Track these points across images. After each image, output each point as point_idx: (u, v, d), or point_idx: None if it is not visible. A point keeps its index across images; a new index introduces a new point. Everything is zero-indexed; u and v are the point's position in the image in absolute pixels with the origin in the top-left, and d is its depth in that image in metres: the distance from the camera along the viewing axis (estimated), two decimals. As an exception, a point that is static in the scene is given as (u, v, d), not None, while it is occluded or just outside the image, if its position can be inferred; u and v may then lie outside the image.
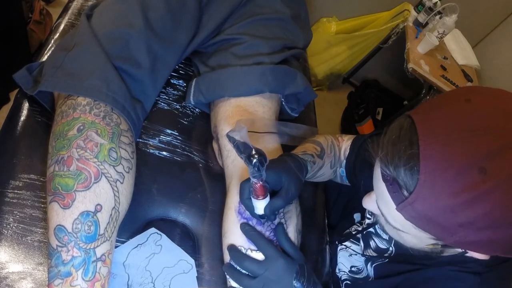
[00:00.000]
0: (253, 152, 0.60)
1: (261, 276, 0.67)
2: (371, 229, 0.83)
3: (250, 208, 0.69)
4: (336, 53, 2.35)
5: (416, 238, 0.55)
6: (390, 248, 0.78)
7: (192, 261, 0.77)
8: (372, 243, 0.82)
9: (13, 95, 0.83)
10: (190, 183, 0.86)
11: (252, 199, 0.67)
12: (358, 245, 0.86)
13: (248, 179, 0.65)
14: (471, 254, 0.55)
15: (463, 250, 0.57)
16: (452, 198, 0.44)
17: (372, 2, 2.20)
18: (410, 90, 2.61)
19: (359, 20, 2.26)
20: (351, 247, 0.88)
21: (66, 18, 0.94)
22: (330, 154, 0.87)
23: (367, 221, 0.84)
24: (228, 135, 0.61)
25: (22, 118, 0.78)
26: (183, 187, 0.84)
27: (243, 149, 0.60)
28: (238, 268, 0.71)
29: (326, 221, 1.00)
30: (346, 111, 2.65)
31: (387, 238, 0.78)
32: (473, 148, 0.44)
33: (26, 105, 0.79)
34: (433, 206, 0.46)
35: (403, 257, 0.74)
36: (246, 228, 0.71)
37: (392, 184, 0.50)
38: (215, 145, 0.91)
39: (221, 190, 0.86)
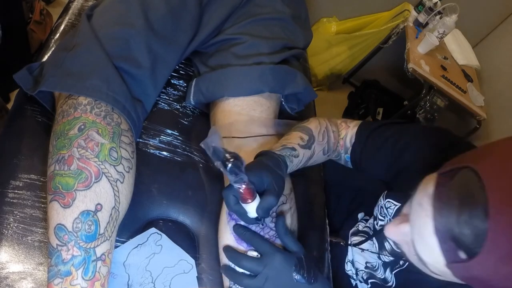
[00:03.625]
0: (227, 156, 0.56)
1: (261, 274, 0.66)
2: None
3: (243, 214, 0.67)
4: (336, 53, 2.35)
5: (444, 277, 0.53)
6: None
7: (192, 261, 0.77)
8: (387, 245, 0.80)
9: (13, 95, 0.83)
10: (190, 183, 0.86)
11: (242, 204, 0.65)
12: (371, 243, 0.85)
13: (230, 186, 0.63)
14: None
15: None
16: None
17: (372, 2, 2.20)
18: (410, 90, 2.62)
19: (359, 20, 2.26)
20: (362, 244, 0.88)
21: (67, 18, 0.94)
22: (322, 142, 0.84)
23: (380, 222, 0.83)
24: (203, 143, 0.57)
25: (23, 118, 0.78)
26: (183, 187, 0.84)
27: (216, 155, 0.56)
28: (236, 268, 0.71)
29: (328, 222, 1.00)
30: (346, 111, 2.65)
31: None
32: None
33: (26, 105, 0.79)
34: (492, 273, 0.43)
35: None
36: (239, 230, 0.71)
37: (449, 243, 0.46)
38: (215, 145, 0.91)
39: (221, 190, 0.85)
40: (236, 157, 0.57)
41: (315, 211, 0.97)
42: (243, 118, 0.85)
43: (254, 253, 0.71)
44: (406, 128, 0.84)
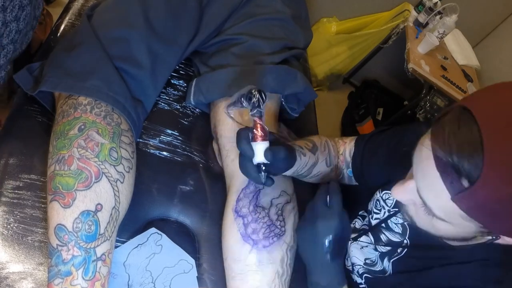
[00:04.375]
0: (252, 89, 0.60)
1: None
2: (381, 224, 0.82)
3: (249, 157, 0.63)
4: (336, 53, 2.34)
5: (458, 227, 0.54)
6: (405, 241, 0.77)
7: (192, 261, 0.77)
8: (383, 237, 0.81)
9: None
10: (191, 183, 0.86)
11: (252, 144, 0.62)
12: (368, 237, 0.86)
13: (246, 127, 0.63)
14: (505, 240, 0.54)
15: (495, 237, 0.56)
16: None
17: (372, 2, 2.20)
18: (411, 90, 2.61)
19: (360, 20, 2.25)
20: (361, 240, 0.88)
21: (67, 18, 0.94)
22: (324, 152, 0.86)
23: (375, 215, 0.84)
24: (224, 110, 0.63)
25: (23, 118, 0.78)
26: (184, 187, 0.84)
27: (244, 91, 0.61)
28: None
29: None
30: (346, 111, 2.65)
31: (400, 232, 0.77)
32: None
33: (26, 106, 0.79)
34: (494, 196, 0.45)
35: (421, 250, 0.74)
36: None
37: (450, 174, 0.48)
38: (215, 145, 0.91)
39: (221, 190, 0.86)
40: (261, 92, 0.60)
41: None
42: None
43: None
44: (398, 128, 0.87)
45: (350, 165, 0.92)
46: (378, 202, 0.83)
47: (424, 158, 0.52)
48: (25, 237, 0.67)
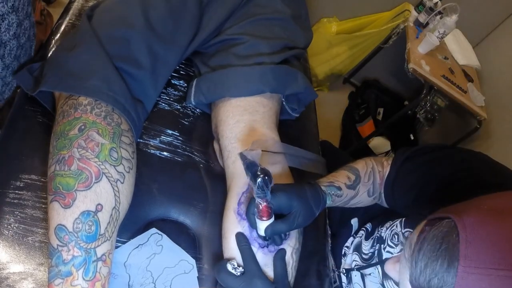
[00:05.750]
0: (259, 171, 0.60)
1: None
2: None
3: (253, 226, 0.69)
4: (336, 53, 2.34)
5: None
6: None
7: (193, 261, 0.77)
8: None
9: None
10: (191, 184, 0.86)
11: (256, 218, 0.67)
12: (374, 267, 0.83)
13: (254, 199, 0.65)
14: None
15: None
16: None
17: (372, 2, 2.20)
18: (411, 90, 2.61)
19: (360, 20, 2.26)
20: (364, 269, 0.86)
21: (67, 18, 0.94)
22: (367, 183, 0.84)
23: (388, 248, 0.80)
24: (241, 154, 0.62)
25: (23, 118, 0.78)
26: (184, 188, 0.84)
27: (250, 167, 0.60)
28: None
29: (328, 221, 1.00)
30: (346, 111, 2.65)
31: None
32: None
33: (27, 106, 0.79)
34: None
35: None
36: (240, 239, 0.71)
37: None
38: (216, 146, 0.91)
39: (222, 191, 0.85)
40: (267, 174, 0.60)
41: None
42: (245, 139, 0.83)
43: (234, 263, 0.71)
44: (438, 158, 0.81)
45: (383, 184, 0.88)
46: (396, 236, 0.80)
47: (404, 261, 0.50)
48: (26, 237, 0.67)
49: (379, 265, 0.81)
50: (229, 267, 0.69)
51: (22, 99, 0.79)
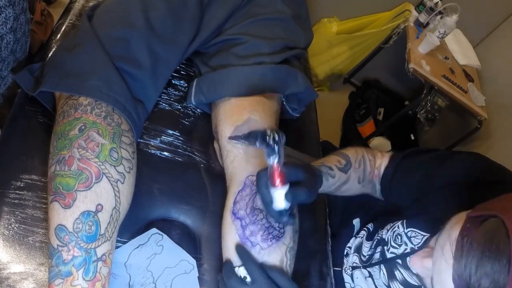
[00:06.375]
0: (267, 131, 0.56)
1: None
2: (397, 260, 0.79)
3: (268, 203, 0.64)
4: (337, 53, 2.35)
5: None
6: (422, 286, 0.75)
7: (193, 261, 0.77)
8: (398, 275, 0.78)
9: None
10: (192, 184, 0.85)
11: (271, 190, 0.62)
12: (378, 269, 0.83)
13: (266, 169, 0.61)
14: None
15: None
16: None
17: (373, 2, 2.20)
18: (411, 90, 2.61)
19: (360, 20, 2.26)
20: (368, 268, 0.86)
21: (68, 19, 0.94)
22: (358, 169, 0.84)
23: (391, 249, 0.80)
24: (230, 137, 0.57)
25: (23, 118, 0.78)
26: (185, 188, 0.84)
27: (253, 133, 0.56)
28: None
29: (328, 221, 1.00)
30: (347, 111, 2.65)
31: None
32: None
33: (27, 106, 0.79)
34: None
35: None
36: (240, 250, 0.71)
37: None
38: (216, 146, 0.91)
39: (223, 191, 0.85)
40: (276, 131, 0.56)
41: (316, 209, 0.97)
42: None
43: (243, 272, 0.70)
44: (442, 155, 0.82)
45: (380, 178, 0.89)
46: (399, 237, 0.80)
47: (444, 261, 0.49)
48: (26, 237, 0.67)
49: (382, 265, 0.81)
50: (242, 273, 0.69)
51: (23, 99, 0.79)
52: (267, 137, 0.56)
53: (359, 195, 0.99)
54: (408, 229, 0.78)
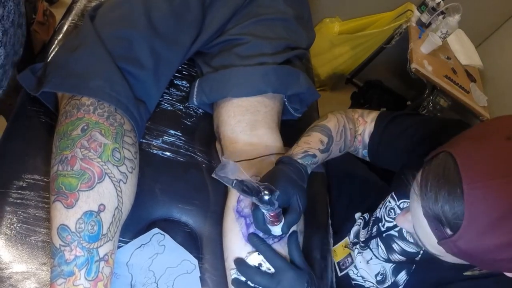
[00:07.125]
0: (262, 190, 0.59)
1: None
2: (393, 232, 0.80)
3: (268, 232, 0.69)
4: (339, 53, 2.34)
5: (454, 259, 0.56)
6: (421, 251, 0.76)
7: (195, 261, 0.77)
8: (396, 247, 0.79)
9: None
10: (194, 184, 0.86)
11: (269, 226, 0.67)
12: (376, 247, 0.84)
13: (258, 207, 0.65)
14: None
15: None
16: (494, 240, 0.46)
17: (375, 2, 2.20)
18: (413, 90, 2.61)
19: (362, 20, 2.25)
20: (370, 246, 0.86)
21: (70, 19, 0.94)
22: (339, 141, 0.85)
23: (386, 224, 0.82)
24: (217, 175, 0.58)
25: (26, 118, 0.78)
26: (186, 188, 0.84)
27: (250, 190, 0.59)
28: (246, 281, 0.70)
29: (330, 221, 1.00)
30: (349, 111, 2.64)
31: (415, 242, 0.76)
32: None
33: (29, 106, 0.79)
34: (476, 246, 0.48)
35: (434, 263, 0.72)
36: (255, 240, 0.71)
37: (434, 222, 0.51)
38: (218, 146, 0.91)
39: (224, 191, 0.86)
40: (270, 189, 0.60)
41: (317, 210, 0.97)
42: (246, 139, 0.84)
43: (256, 260, 0.71)
44: (425, 120, 0.84)
45: (367, 145, 0.90)
46: (392, 211, 0.81)
47: (415, 200, 0.54)
48: (28, 237, 0.68)
49: (380, 241, 0.83)
50: (254, 260, 0.70)
51: (25, 99, 0.79)
52: (264, 197, 0.59)
53: (362, 191, 1.04)
54: (400, 201, 0.80)
